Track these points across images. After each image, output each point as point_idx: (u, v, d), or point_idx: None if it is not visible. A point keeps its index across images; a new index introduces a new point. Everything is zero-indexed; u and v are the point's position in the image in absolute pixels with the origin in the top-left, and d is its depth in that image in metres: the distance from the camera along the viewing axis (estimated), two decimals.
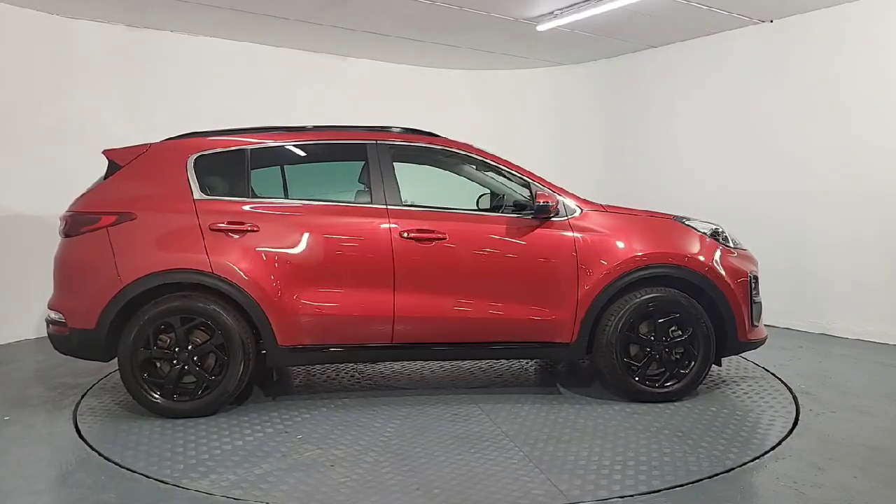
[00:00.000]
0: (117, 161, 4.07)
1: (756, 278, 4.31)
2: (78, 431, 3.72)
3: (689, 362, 4.13)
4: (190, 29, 6.66)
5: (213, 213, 3.91)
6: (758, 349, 4.45)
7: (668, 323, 4.11)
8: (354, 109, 7.31)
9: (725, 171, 6.84)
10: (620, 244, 4.12)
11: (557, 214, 4.12)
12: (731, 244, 4.35)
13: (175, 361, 3.84)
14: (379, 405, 4.14)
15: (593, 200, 4.31)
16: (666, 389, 4.12)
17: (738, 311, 4.14)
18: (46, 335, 4.06)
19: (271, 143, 4.20)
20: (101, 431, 3.71)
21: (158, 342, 3.84)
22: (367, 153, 4.17)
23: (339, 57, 7.71)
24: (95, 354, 3.93)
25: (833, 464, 3.22)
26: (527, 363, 5.14)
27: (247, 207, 3.96)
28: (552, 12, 6.06)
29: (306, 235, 3.93)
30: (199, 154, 4.05)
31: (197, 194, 3.95)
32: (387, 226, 3.99)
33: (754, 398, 4.26)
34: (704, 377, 4.21)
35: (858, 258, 5.87)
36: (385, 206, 4.04)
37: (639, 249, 4.10)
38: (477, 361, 5.09)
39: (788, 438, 3.56)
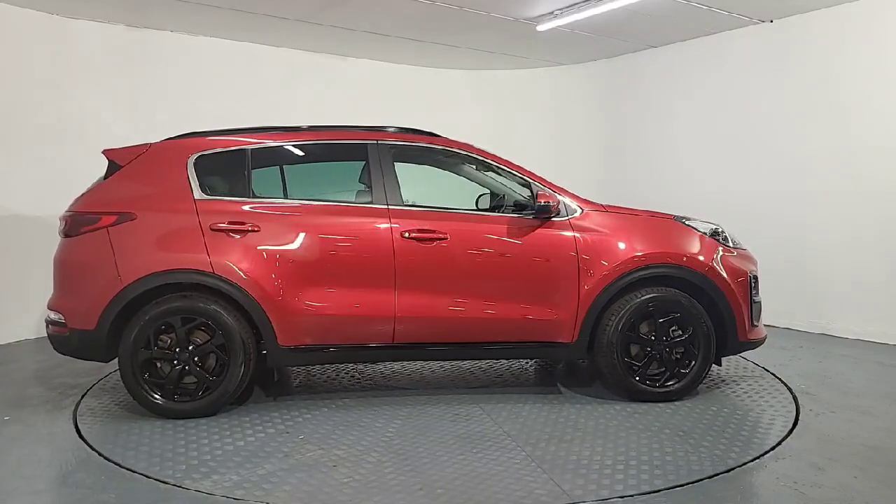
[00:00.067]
0: (117, 161, 4.07)
1: (756, 278, 4.32)
2: (78, 431, 3.72)
3: (690, 362, 4.13)
4: (190, 29, 6.66)
5: (213, 213, 3.91)
6: (758, 349, 4.46)
7: (668, 322, 4.11)
8: (354, 109, 7.30)
9: (725, 171, 6.85)
10: (621, 244, 4.12)
11: (558, 214, 4.12)
12: (731, 244, 4.36)
13: (176, 362, 3.83)
14: (380, 405, 4.14)
15: (594, 200, 4.32)
16: (666, 389, 4.12)
17: (738, 310, 4.15)
18: (46, 335, 4.06)
19: (272, 143, 4.20)
20: (101, 432, 3.71)
21: (159, 342, 3.84)
22: (367, 153, 4.17)
23: (339, 57, 7.70)
24: (96, 355, 3.92)
25: (833, 464, 3.22)
26: (526, 363, 5.14)
27: (247, 207, 3.96)
28: (552, 12, 6.06)
29: (307, 235, 3.93)
30: (200, 154, 4.05)
31: (197, 194, 3.95)
32: (388, 226, 3.99)
33: (754, 398, 4.27)
34: (705, 377, 4.22)
35: (858, 258, 5.87)
36: (386, 206, 4.04)
37: (639, 249, 4.11)
38: (476, 361, 5.09)
39: (788, 438, 3.56)
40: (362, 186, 4.25)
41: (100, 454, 3.39)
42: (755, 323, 4.29)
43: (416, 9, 5.88)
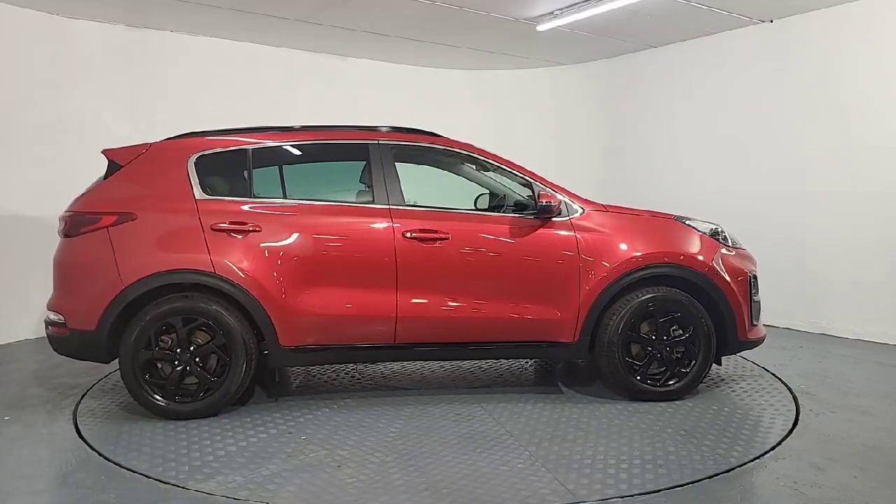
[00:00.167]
0: (117, 161, 4.06)
1: (755, 277, 4.33)
2: (78, 432, 3.72)
3: (690, 361, 4.14)
4: (190, 29, 6.65)
5: (214, 213, 3.90)
6: (758, 349, 4.47)
7: (669, 322, 4.12)
8: (354, 109, 7.30)
9: (725, 171, 6.85)
10: (622, 244, 4.12)
11: (559, 214, 4.12)
12: (731, 244, 4.37)
13: (177, 362, 3.82)
14: (381, 405, 4.13)
15: (594, 200, 4.32)
16: (667, 388, 4.13)
17: (737, 310, 4.16)
18: (46, 336, 4.05)
19: (272, 143, 4.19)
20: (101, 432, 3.70)
21: (160, 343, 3.83)
22: (368, 153, 4.17)
23: (339, 57, 7.70)
24: (96, 356, 3.91)
25: (833, 464, 3.23)
26: (526, 362, 5.14)
27: (248, 207, 3.95)
28: (552, 12, 6.06)
29: (308, 236, 3.92)
30: (200, 154, 4.04)
31: (198, 194, 3.94)
32: (389, 226, 3.98)
33: (755, 397, 4.27)
34: (705, 376, 4.22)
35: (858, 258, 5.88)
36: (387, 206, 4.04)
37: (640, 249, 4.11)
38: (477, 361, 5.09)
39: (788, 438, 3.56)
40: (363, 186, 4.25)
41: (100, 454, 3.38)
42: (755, 322, 4.30)
43: (416, 9, 5.88)
